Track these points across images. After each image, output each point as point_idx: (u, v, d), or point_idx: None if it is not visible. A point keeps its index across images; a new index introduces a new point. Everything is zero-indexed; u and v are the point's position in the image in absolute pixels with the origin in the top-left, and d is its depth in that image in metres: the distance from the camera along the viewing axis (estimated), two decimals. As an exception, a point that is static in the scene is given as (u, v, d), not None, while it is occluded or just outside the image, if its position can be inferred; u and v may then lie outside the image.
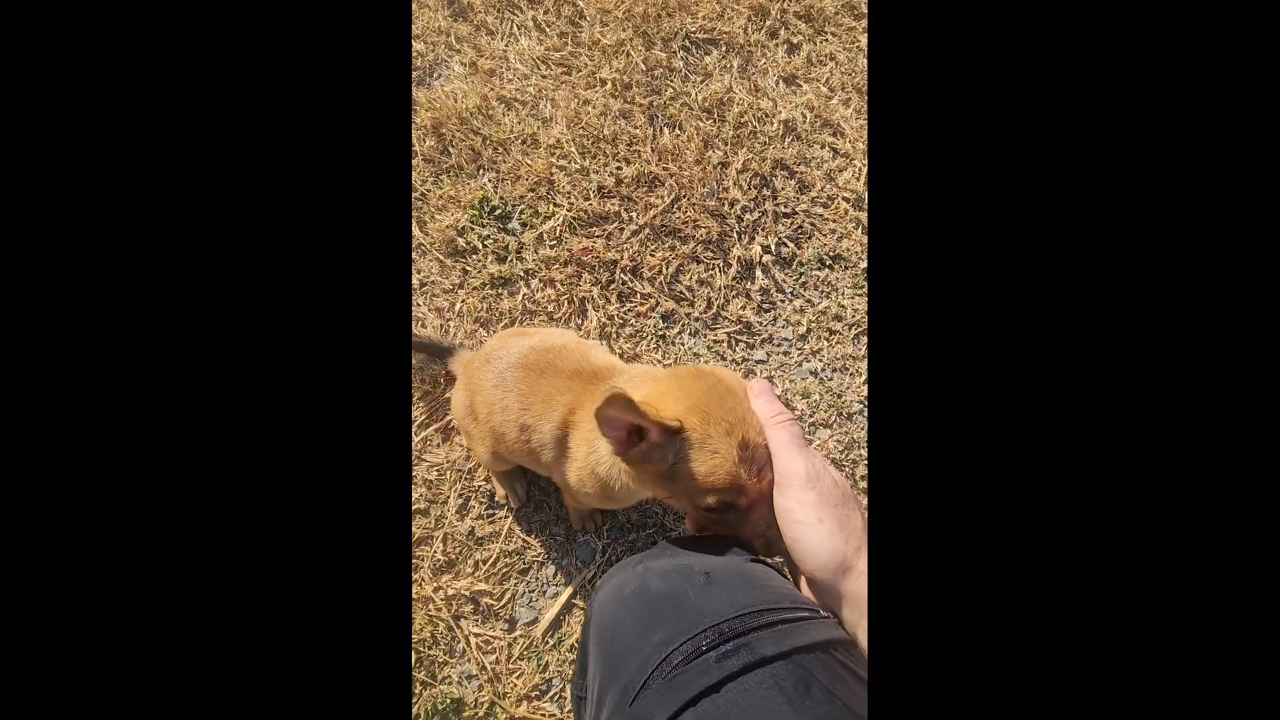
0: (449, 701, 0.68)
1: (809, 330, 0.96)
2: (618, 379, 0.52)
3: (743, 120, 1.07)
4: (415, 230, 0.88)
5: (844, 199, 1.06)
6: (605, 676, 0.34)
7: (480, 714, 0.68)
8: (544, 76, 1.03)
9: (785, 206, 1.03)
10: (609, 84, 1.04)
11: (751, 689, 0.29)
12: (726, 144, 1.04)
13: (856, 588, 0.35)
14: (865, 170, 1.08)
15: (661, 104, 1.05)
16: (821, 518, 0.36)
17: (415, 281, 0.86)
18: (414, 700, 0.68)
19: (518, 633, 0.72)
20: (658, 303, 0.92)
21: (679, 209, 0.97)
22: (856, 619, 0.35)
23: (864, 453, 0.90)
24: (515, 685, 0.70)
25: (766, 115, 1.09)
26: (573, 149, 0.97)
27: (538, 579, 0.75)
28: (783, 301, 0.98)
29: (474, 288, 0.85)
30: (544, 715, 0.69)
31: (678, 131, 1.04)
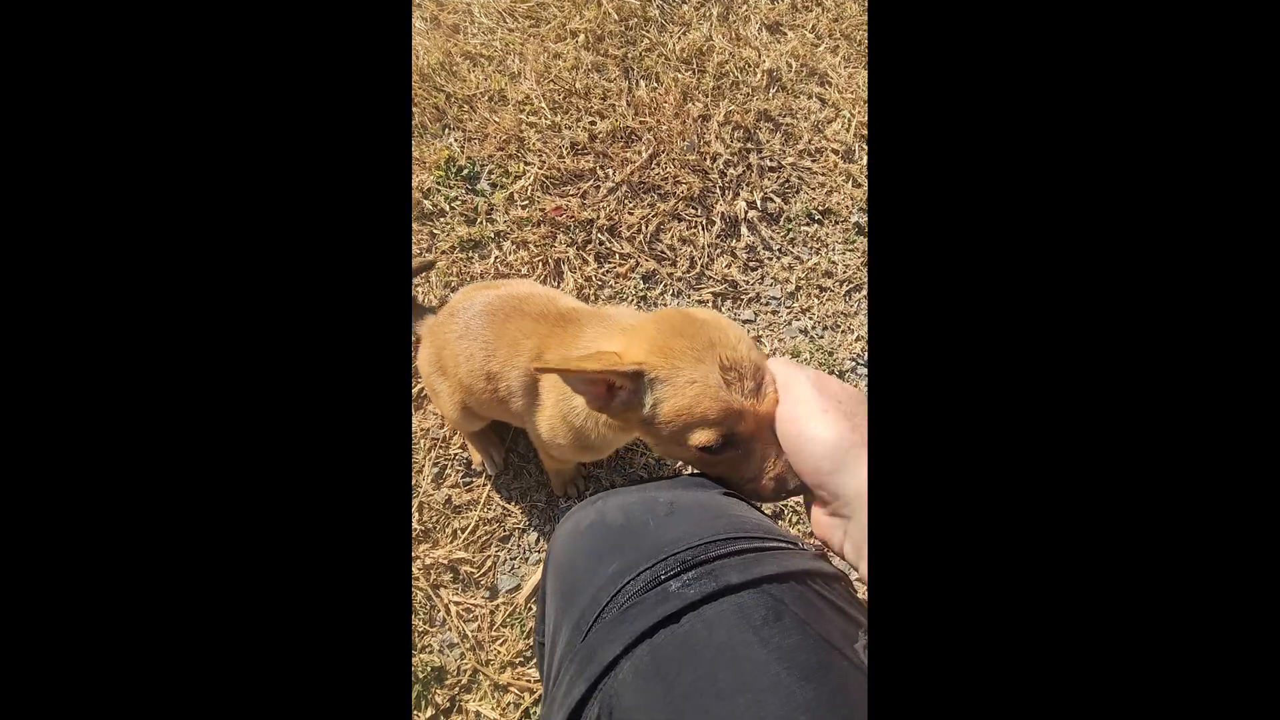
0: (430, 670, 0.66)
1: (798, 288, 0.92)
2: (589, 323, 0.49)
3: (724, 70, 1.02)
4: (380, 194, 0.84)
5: (833, 151, 1.01)
6: (559, 615, 0.32)
7: (463, 681, 0.67)
8: (510, 29, 0.98)
9: (771, 160, 0.99)
10: (580, 36, 0.99)
11: (713, 619, 0.26)
12: (707, 96, 0.99)
13: (861, 484, 0.31)
14: (854, 121, 1.02)
15: (637, 55, 1.00)
16: (825, 409, 0.32)
17: (382, 247, 0.82)
18: (393, 669, 0.66)
19: (500, 600, 0.70)
20: (638, 263, 0.88)
21: (658, 164, 0.92)
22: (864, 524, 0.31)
23: (856, 411, 0.87)
24: (499, 652, 0.68)
25: (749, 65, 1.04)
26: (543, 104, 0.92)
27: (519, 546, 0.73)
28: (770, 259, 0.94)
29: (442, 251, 0.82)
30: (529, 681, 0.67)
31: (654, 84, 0.99)
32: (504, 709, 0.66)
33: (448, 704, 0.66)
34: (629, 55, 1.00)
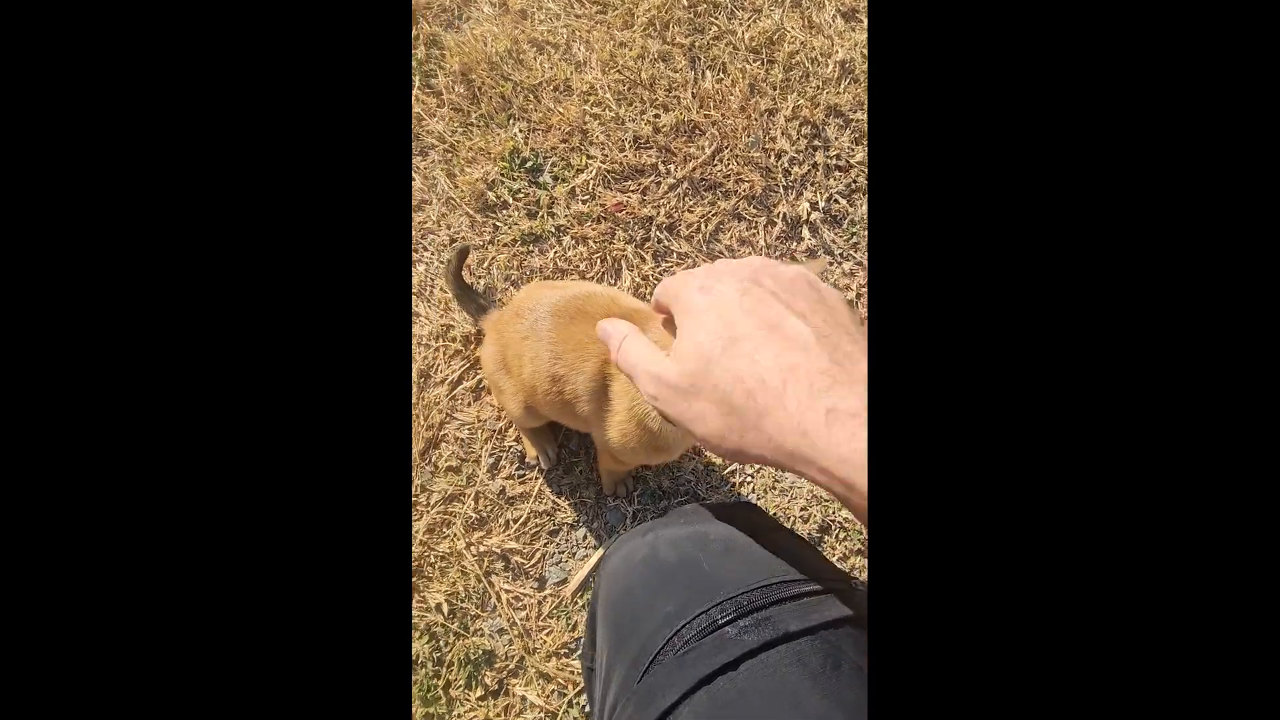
0: (481, 653, 0.69)
1: (859, 295, 0.89)
2: (654, 319, 0.48)
3: (794, 61, 0.97)
4: (445, 183, 0.85)
5: (905, 150, 0.96)
6: (612, 649, 0.32)
7: (511, 666, 0.70)
8: (577, 16, 0.96)
9: (839, 159, 0.94)
10: (647, 23, 0.96)
11: (773, 667, 0.26)
12: (775, 88, 0.95)
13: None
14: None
15: (704, 44, 0.96)
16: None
17: (445, 238, 0.83)
18: (448, 649, 0.69)
19: (547, 591, 0.72)
20: (695, 263, 0.86)
21: (720, 161, 0.90)
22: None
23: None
24: (545, 642, 0.70)
25: (822, 55, 0.98)
26: (608, 95, 0.90)
27: (567, 541, 0.75)
28: (831, 264, 0.90)
29: (504, 244, 0.82)
30: (572, 673, 0.69)
31: (721, 75, 0.95)
32: (548, 696, 0.69)
33: (496, 686, 0.69)
34: (696, 44, 0.96)
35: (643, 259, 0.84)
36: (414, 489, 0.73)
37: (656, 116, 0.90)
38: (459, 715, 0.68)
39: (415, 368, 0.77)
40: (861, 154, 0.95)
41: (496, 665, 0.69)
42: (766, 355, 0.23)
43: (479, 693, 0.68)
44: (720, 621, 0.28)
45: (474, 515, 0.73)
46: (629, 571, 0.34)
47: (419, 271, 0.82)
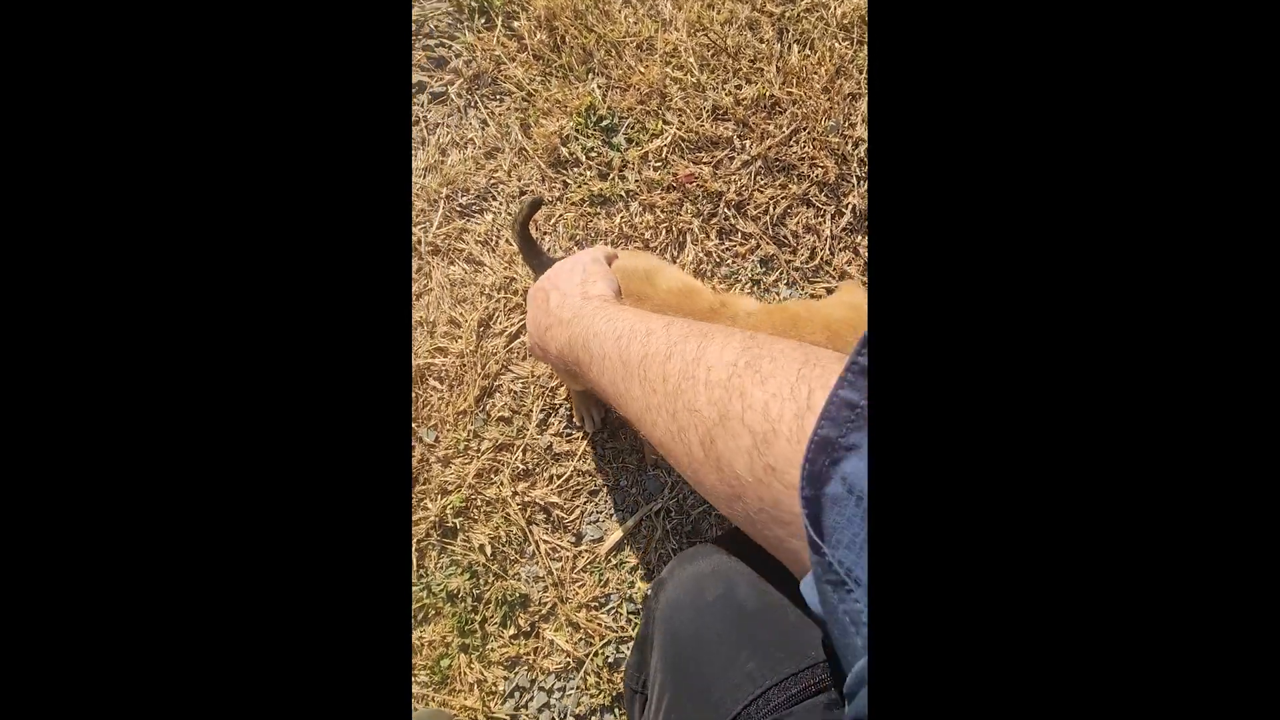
0: (517, 595, 0.72)
1: (916, 297, 0.88)
2: (743, 317, 0.48)
3: (884, 45, 0.93)
4: (519, 133, 0.83)
5: (985, 152, 0.92)
6: (677, 691, 0.31)
7: (543, 612, 0.73)
8: (668, -30, 0.92)
9: (915, 153, 0.91)
10: (739, -14, 0.91)
11: None
12: (861, 72, 0.91)
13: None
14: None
15: (794, 15, 0.92)
16: None
17: (515, 189, 0.83)
18: (487, 588, 0.73)
19: (583, 547, 0.75)
20: (759, 245, 0.85)
21: (797, 142, 0.87)
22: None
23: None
24: (577, 593, 0.73)
25: (913, 41, 0.94)
26: (690, 59, 0.87)
27: (606, 502, 0.77)
28: (893, 261, 0.89)
29: (573, 203, 0.82)
30: (599, 625, 0.73)
31: (808, 51, 0.91)
32: (575, 644, 0.72)
33: (528, 628, 0.73)
34: (786, 14, 0.92)
35: (707, 235, 0.84)
36: (467, 434, 0.75)
37: (738, 88, 0.87)
38: (492, 649, 0.71)
39: (476, 316, 0.78)
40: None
41: (530, 609, 0.73)
42: (543, 314, 0.45)
43: (511, 631, 0.72)
44: (814, 689, 0.26)
45: (521, 466, 0.75)
46: (700, 610, 0.32)
47: (486, 220, 0.82)
